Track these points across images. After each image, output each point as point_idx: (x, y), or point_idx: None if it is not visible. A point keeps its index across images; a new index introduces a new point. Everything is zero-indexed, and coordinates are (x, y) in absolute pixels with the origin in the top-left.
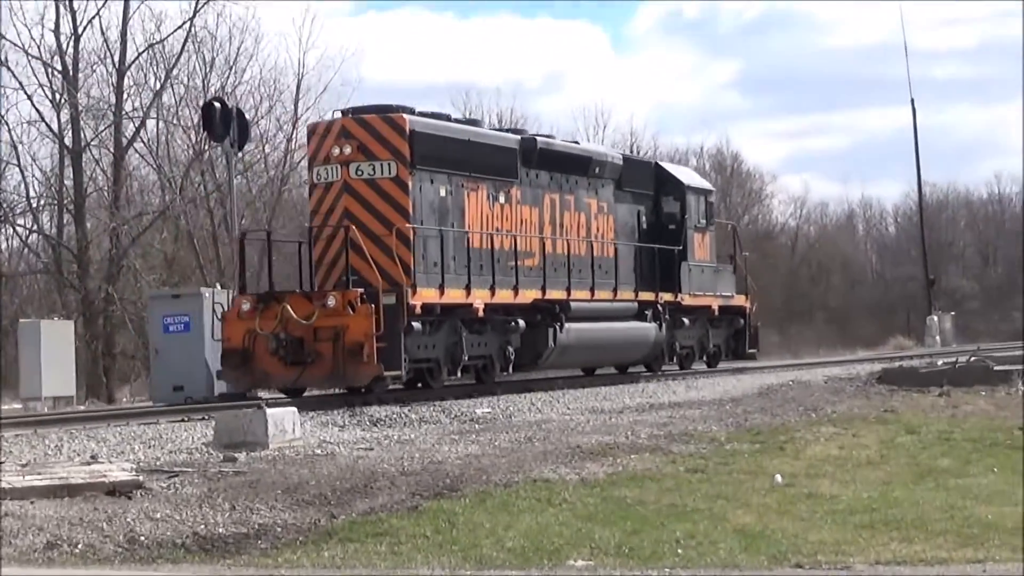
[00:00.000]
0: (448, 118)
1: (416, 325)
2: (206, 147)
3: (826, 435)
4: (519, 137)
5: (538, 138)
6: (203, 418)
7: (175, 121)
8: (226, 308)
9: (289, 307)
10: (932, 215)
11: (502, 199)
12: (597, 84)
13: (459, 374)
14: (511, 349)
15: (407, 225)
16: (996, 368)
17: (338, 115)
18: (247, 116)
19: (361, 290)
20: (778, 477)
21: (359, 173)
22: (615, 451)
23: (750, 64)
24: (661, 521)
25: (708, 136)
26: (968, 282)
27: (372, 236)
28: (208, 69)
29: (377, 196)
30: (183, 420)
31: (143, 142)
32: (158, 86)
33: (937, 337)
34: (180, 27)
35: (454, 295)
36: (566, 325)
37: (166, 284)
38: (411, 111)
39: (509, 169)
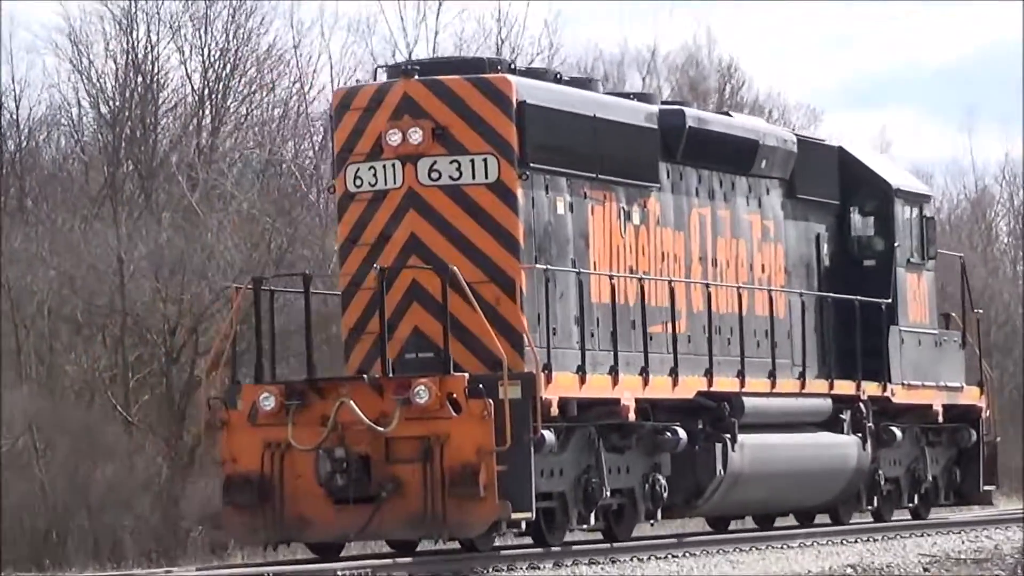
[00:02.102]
0: (557, 77)
1: (548, 436)
2: None
3: None
4: (656, 109)
5: (686, 111)
6: None
7: None
8: (233, 405)
9: (353, 404)
10: None
11: (636, 217)
12: None
13: (592, 520)
14: (661, 479)
15: (520, 266)
16: None
17: (384, 75)
18: None
19: (466, 375)
20: None
21: (435, 176)
22: None
23: None
24: None
25: (669, 28)
26: None
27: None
28: None
29: (466, 215)
30: None
31: None
32: None
33: None
34: None
35: (597, 384)
36: (739, 438)
37: None
38: (509, 67)
39: (647, 166)
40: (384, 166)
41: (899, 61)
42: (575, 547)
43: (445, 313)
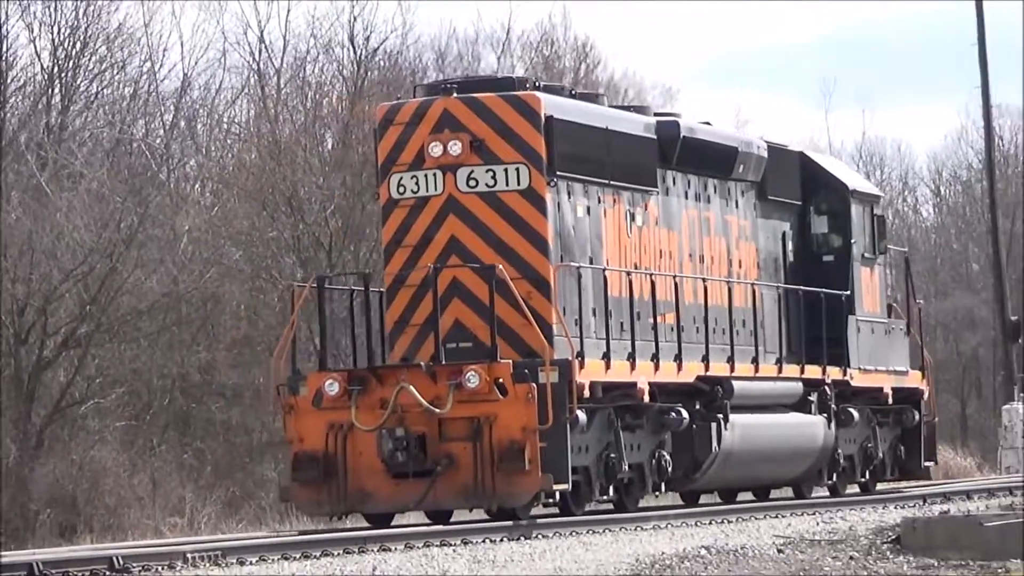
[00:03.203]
0: (571, 92)
1: (581, 415)
2: None
3: None
4: (653, 120)
5: (680, 122)
6: None
7: None
8: (295, 391)
9: (413, 388)
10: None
11: (639, 219)
12: None
13: (611, 492)
14: (666, 455)
15: (550, 265)
16: None
17: (422, 93)
18: None
19: (510, 361)
20: None
21: (472, 184)
22: None
23: None
24: None
25: (524, 7)
26: None
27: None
28: None
29: (500, 219)
30: None
31: None
32: None
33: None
34: None
35: (619, 370)
36: (730, 418)
37: None
38: (535, 84)
39: (646, 172)
40: (426, 175)
41: (755, 40)
42: (418, 528)
43: (492, 312)
